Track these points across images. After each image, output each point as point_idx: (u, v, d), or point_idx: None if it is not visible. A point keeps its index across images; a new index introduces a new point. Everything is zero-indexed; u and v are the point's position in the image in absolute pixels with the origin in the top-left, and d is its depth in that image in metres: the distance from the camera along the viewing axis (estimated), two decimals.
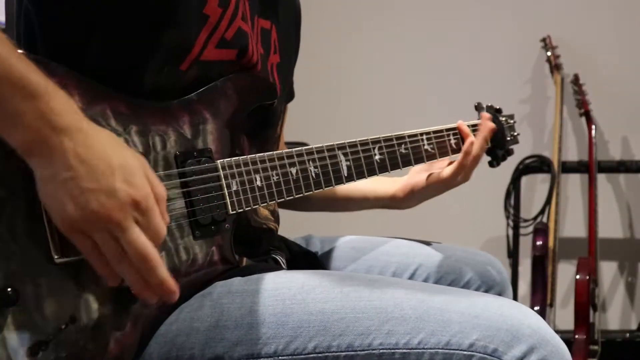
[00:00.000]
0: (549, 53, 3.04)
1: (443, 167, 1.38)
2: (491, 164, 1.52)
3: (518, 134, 1.56)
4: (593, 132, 2.94)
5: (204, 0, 1.06)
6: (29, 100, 0.82)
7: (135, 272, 0.87)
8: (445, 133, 1.38)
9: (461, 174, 1.36)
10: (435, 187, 1.39)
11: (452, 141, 1.39)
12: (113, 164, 0.86)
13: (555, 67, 3.01)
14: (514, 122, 1.56)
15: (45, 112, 0.82)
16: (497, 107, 1.52)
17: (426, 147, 1.33)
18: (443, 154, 1.37)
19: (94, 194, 0.84)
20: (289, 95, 1.38)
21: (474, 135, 1.40)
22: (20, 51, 0.84)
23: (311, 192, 1.14)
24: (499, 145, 1.49)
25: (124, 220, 0.85)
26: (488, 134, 1.41)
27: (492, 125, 1.42)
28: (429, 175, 1.39)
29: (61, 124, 0.83)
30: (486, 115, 1.44)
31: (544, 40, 3.06)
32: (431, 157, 1.35)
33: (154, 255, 0.87)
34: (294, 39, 1.35)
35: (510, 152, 1.53)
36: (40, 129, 0.82)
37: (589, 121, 2.97)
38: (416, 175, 1.42)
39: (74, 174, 0.84)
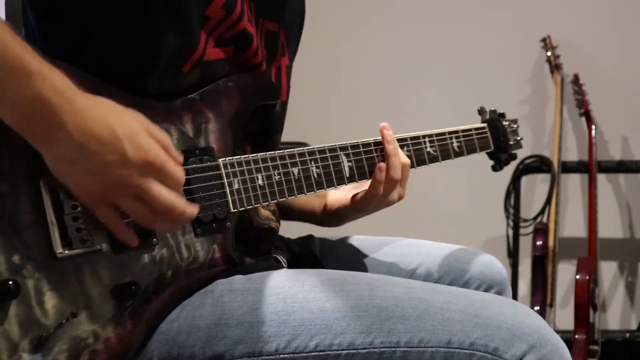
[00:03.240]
0: (549, 53, 3.04)
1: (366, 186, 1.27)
2: (494, 168, 1.52)
3: (521, 139, 1.56)
4: (593, 132, 2.95)
5: (208, 2, 1.06)
6: (25, 80, 0.82)
7: (166, 221, 0.93)
8: (447, 136, 1.38)
9: (382, 191, 1.24)
10: (358, 206, 1.28)
11: (455, 144, 1.39)
12: (119, 133, 0.87)
13: (555, 67, 3.01)
14: (517, 126, 1.56)
15: (42, 90, 0.83)
16: (501, 112, 1.53)
17: (428, 149, 1.34)
18: (445, 156, 1.37)
19: (109, 167, 0.86)
20: None
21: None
22: (15, 34, 0.83)
23: (313, 192, 1.14)
24: (501, 149, 1.49)
25: (144, 182, 0.89)
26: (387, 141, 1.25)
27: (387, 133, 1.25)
28: (354, 194, 1.29)
29: (59, 101, 0.83)
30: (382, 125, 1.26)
31: (544, 40, 3.07)
32: (433, 159, 1.35)
33: (180, 203, 0.92)
34: (296, 41, 1.35)
35: (513, 157, 1.53)
36: (37, 109, 0.83)
37: (589, 121, 2.98)
38: (343, 191, 1.33)
39: (84, 150, 0.85)
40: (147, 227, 0.95)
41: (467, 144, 1.40)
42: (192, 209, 0.94)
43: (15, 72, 0.81)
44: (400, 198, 1.28)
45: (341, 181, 1.19)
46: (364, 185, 1.25)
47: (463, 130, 1.41)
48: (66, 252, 0.89)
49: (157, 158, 0.90)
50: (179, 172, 0.93)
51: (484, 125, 1.47)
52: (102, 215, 0.91)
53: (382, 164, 1.22)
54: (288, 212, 1.39)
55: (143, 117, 0.93)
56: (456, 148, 1.39)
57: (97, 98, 0.90)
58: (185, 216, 0.93)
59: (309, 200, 1.37)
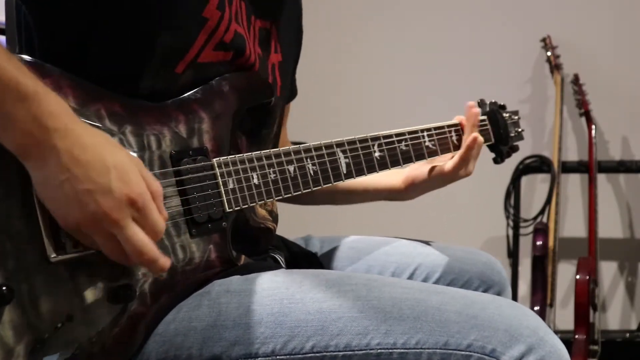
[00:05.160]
0: (549, 53, 3.04)
1: (445, 160, 1.38)
2: (495, 161, 1.51)
3: (522, 130, 1.55)
4: (593, 132, 2.95)
5: (204, 3, 1.05)
6: (21, 103, 0.82)
7: (137, 263, 0.91)
8: (447, 129, 1.37)
9: (463, 168, 1.36)
10: (437, 180, 1.39)
11: (454, 137, 1.38)
12: (107, 164, 0.86)
13: (555, 67, 3.01)
14: (519, 118, 1.55)
15: (37, 114, 0.83)
16: (501, 104, 1.52)
17: (427, 143, 1.33)
18: (444, 150, 1.37)
19: (91, 195, 0.85)
20: (291, 93, 1.38)
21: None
22: (11, 54, 0.84)
23: (309, 190, 1.14)
24: (503, 142, 1.48)
25: (122, 219, 0.86)
26: (475, 120, 1.39)
27: (476, 110, 1.41)
28: (432, 168, 1.38)
29: (53, 125, 0.83)
30: (469, 103, 1.42)
31: (544, 40, 3.06)
32: (432, 153, 1.34)
33: (152, 251, 0.89)
34: (295, 36, 1.34)
35: (515, 149, 1.52)
36: (32, 132, 0.83)
37: (589, 121, 2.97)
38: (418, 167, 1.41)
39: (70, 175, 0.84)
40: (118, 262, 0.92)
41: None
42: (164, 261, 0.91)
43: (10, 94, 0.81)
44: (468, 174, 1.38)
45: (338, 178, 1.18)
46: (438, 159, 1.37)
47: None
48: (60, 256, 0.89)
49: (140, 197, 0.88)
50: (160, 223, 0.91)
51: (484, 117, 1.46)
52: (82, 240, 0.89)
53: (477, 136, 1.35)
54: (332, 196, 1.45)
55: (139, 161, 0.92)
56: (455, 141, 1.38)
57: (95, 130, 0.90)
58: (155, 266, 0.90)
59: (367, 179, 1.40)
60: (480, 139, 1.37)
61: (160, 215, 0.91)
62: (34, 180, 0.86)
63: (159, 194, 0.91)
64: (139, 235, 0.88)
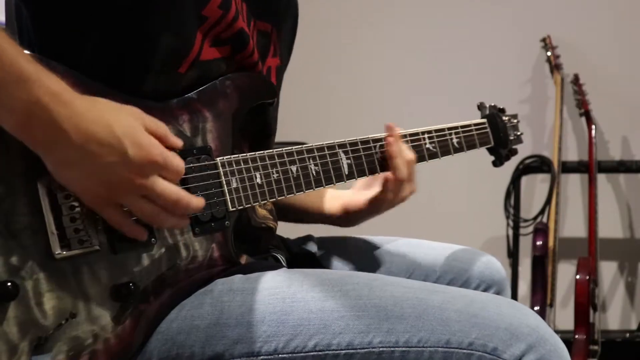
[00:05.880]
0: (549, 53, 3.04)
1: (376, 179, 1.30)
2: (495, 164, 1.52)
3: (521, 134, 1.55)
4: (593, 132, 2.95)
5: (204, 2, 1.06)
6: (22, 85, 0.82)
7: (173, 216, 0.94)
8: (447, 132, 1.37)
9: (398, 192, 1.27)
10: (375, 207, 1.31)
11: (454, 140, 1.38)
12: (117, 133, 0.87)
13: (555, 67, 3.01)
14: (517, 121, 1.55)
15: (39, 95, 0.83)
16: (501, 107, 1.52)
17: (427, 145, 1.33)
18: (445, 152, 1.37)
19: (111, 168, 0.87)
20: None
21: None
22: (11, 39, 0.84)
23: (311, 190, 1.14)
24: (502, 145, 1.49)
25: (147, 181, 0.90)
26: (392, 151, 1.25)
27: (391, 139, 1.26)
28: (368, 199, 1.31)
29: (56, 105, 0.84)
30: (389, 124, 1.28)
31: (544, 40, 3.07)
32: (433, 155, 1.34)
33: (185, 196, 0.94)
34: (289, 42, 1.35)
35: (513, 152, 1.53)
36: (35, 113, 0.83)
37: (589, 121, 2.98)
38: (352, 195, 1.36)
39: (84, 153, 0.85)
40: (154, 224, 0.95)
41: (467, 139, 1.40)
42: (198, 201, 0.96)
43: (11, 77, 0.82)
44: (411, 193, 1.30)
45: (340, 179, 1.19)
46: (375, 180, 1.30)
47: (462, 126, 1.41)
48: (64, 253, 0.89)
49: (157, 155, 0.90)
50: (180, 164, 0.94)
51: (484, 120, 1.47)
52: (109, 216, 0.92)
53: (388, 175, 1.24)
54: (288, 212, 1.39)
55: (138, 111, 0.94)
56: (455, 144, 1.38)
57: (93, 98, 0.90)
58: (191, 208, 0.95)
59: (316, 201, 1.39)
60: (388, 175, 1.24)
61: (175, 154, 0.94)
62: (49, 166, 0.86)
63: (166, 134, 0.95)
64: (168, 187, 0.92)
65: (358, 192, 1.36)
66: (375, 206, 1.31)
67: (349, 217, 1.37)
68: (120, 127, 0.88)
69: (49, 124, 0.84)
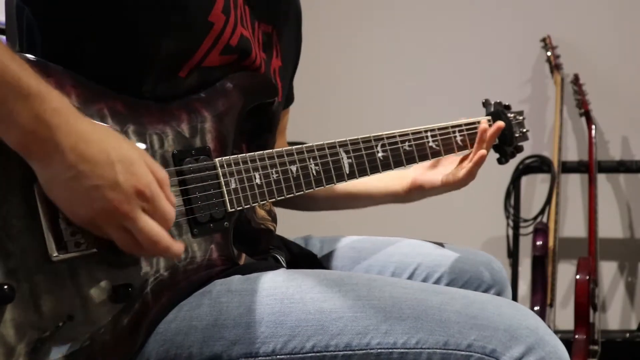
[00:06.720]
0: (549, 53, 3.04)
1: (448, 160, 1.39)
2: (500, 161, 1.51)
3: (527, 130, 1.54)
4: (593, 132, 2.94)
5: (210, 8, 1.06)
6: (23, 100, 0.82)
7: (150, 253, 0.92)
8: (450, 130, 1.37)
9: (470, 178, 1.37)
10: (444, 189, 1.40)
11: (458, 138, 1.38)
12: (112, 158, 0.87)
13: (555, 67, 3.01)
14: (523, 118, 1.54)
15: (40, 112, 0.83)
16: (506, 104, 1.51)
17: (431, 144, 1.33)
18: (448, 151, 1.36)
19: (99, 190, 0.86)
20: (288, 99, 1.37)
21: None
22: (14, 53, 0.84)
23: (312, 190, 1.14)
24: (507, 142, 1.48)
25: (131, 211, 0.88)
26: (484, 136, 1.39)
27: (484, 127, 1.39)
28: (443, 174, 1.39)
29: (56, 123, 0.84)
30: (482, 120, 1.42)
31: (544, 40, 3.06)
32: (436, 154, 1.34)
33: (165, 239, 0.91)
34: (294, 43, 1.34)
35: (519, 149, 1.51)
36: (36, 129, 0.83)
37: (589, 121, 2.97)
38: (424, 172, 1.41)
39: (76, 172, 0.85)
40: (132, 254, 0.94)
41: (471, 137, 1.39)
42: (178, 247, 0.94)
43: (13, 92, 0.82)
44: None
45: (341, 178, 1.18)
46: (443, 161, 1.40)
47: (466, 124, 1.40)
48: (61, 255, 0.89)
49: (148, 188, 0.89)
50: (170, 210, 0.92)
51: (489, 117, 1.46)
52: (98, 234, 0.91)
53: (484, 154, 1.35)
54: (334, 202, 1.46)
55: (143, 151, 0.93)
56: (460, 142, 1.38)
57: (96, 123, 0.91)
58: (169, 253, 0.93)
59: (378, 185, 1.44)
60: (485, 154, 1.37)
61: (169, 202, 0.92)
62: (41, 180, 0.86)
63: (165, 182, 0.93)
64: (150, 225, 0.89)
65: (426, 170, 1.42)
66: (447, 187, 1.39)
67: (422, 193, 1.42)
68: (118, 154, 0.88)
69: (47, 140, 0.84)
